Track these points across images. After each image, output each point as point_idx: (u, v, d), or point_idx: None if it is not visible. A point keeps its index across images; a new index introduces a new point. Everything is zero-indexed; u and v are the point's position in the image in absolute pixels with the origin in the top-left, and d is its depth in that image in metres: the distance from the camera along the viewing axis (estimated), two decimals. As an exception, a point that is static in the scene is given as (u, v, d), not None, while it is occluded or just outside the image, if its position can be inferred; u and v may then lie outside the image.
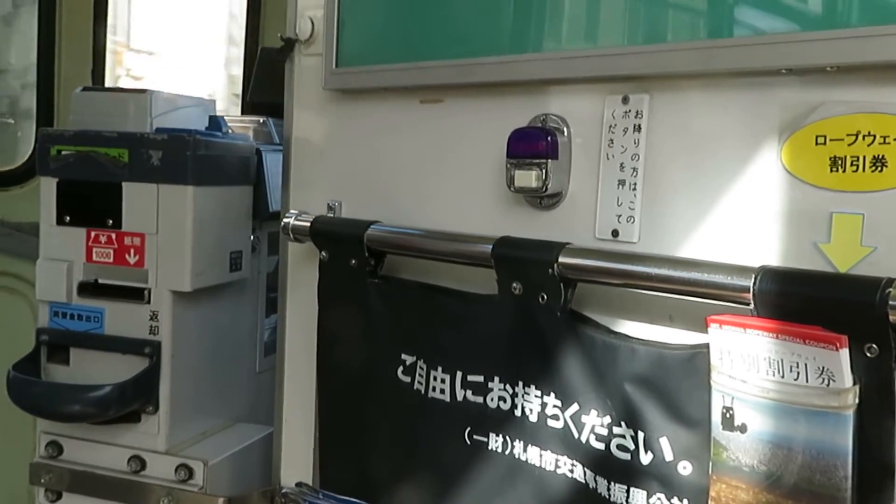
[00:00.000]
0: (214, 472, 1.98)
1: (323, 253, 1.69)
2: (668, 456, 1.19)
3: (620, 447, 1.25)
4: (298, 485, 1.82)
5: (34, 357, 2.04)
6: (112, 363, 1.97)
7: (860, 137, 1.10)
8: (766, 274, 1.07)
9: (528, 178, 1.40)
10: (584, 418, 1.29)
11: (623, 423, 1.24)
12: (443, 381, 1.49)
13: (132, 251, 1.95)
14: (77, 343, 2.02)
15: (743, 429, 1.09)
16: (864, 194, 1.10)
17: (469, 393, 1.45)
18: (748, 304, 1.08)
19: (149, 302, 1.95)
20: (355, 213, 1.73)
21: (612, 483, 1.26)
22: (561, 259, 1.30)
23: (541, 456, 1.36)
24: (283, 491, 1.86)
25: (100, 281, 1.99)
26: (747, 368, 1.07)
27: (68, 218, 2.00)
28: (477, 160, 1.54)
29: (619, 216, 1.35)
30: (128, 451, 1.99)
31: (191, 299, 1.98)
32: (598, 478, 1.28)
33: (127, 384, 1.92)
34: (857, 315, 1.00)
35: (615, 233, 1.36)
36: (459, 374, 1.46)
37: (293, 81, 1.87)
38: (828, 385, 1.01)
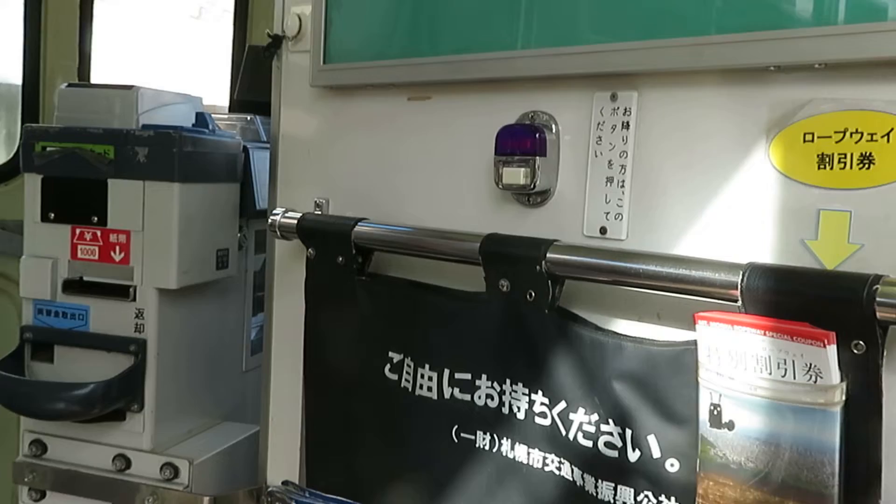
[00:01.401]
0: (200, 471, 1.97)
1: (310, 250, 1.68)
2: (656, 453, 1.19)
3: (608, 445, 1.25)
4: (285, 483, 1.81)
5: (18, 355, 2.03)
6: (97, 361, 1.96)
7: (848, 135, 1.10)
8: (754, 271, 1.07)
9: (516, 175, 1.40)
10: (571, 416, 1.29)
11: (611, 421, 1.24)
12: (430, 378, 1.48)
13: (118, 248, 1.94)
14: (61, 341, 2.01)
15: (730, 426, 1.09)
16: (851, 192, 1.10)
17: (456, 391, 1.45)
18: (736, 301, 1.08)
19: (134, 300, 1.94)
20: (343, 211, 1.72)
21: (600, 481, 1.26)
22: (548, 256, 1.30)
23: (528, 454, 1.36)
24: (270, 489, 1.85)
25: (85, 278, 1.98)
26: (735, 365, 1.07)
27: (53, 215, 1.98)
28: (465, 157, 1.53)
29: (608, 213, 1.35)
30: (112, 450, 1.98)
31: (177, 297, 1.97)
32: (585, 475, 1.28)
33: (112, 382, 1.91)
34: (844, 312, 1.00)
35: (603, 230, 1.35)
36: (447, 371, 1.46)
37: (281, 78, 1.87)
38: (815, 382, 1.01)
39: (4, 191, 3.07)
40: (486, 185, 1.49)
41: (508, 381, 1.38)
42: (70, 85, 2.17)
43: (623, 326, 1.31)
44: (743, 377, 1.07)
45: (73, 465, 2.00)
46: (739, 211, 1.21)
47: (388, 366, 1.57)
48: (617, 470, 1.24)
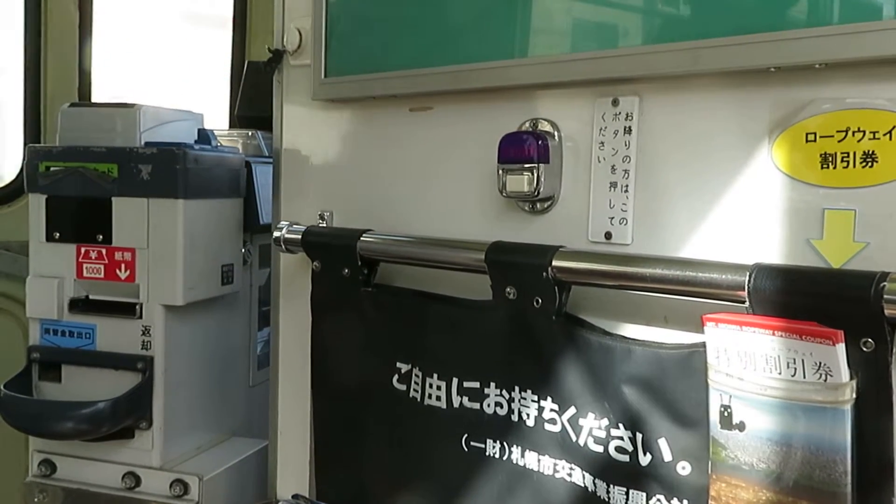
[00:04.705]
0: (210, 487, 1.97)
1: (315, 263, 1.68)
2: (667, 456, 1.19)
3: (619, 449, 1.25)
4: (295, 497, 1.81)
5: (25, 375, 2.03)
6: (104, 379, 1.96)
7: (850, 133, 1.10)
8: (761, 271, 1.07)
9: (519, 182, 1.41)
10: (581, 421, 1.29)
11: (621, 425, 1.24)
12: (439, 388, 1.48)
13: (123, 266, 1.94)
14: (69, 360, 2.01)
15: (741, 427, 1.09)
16: (855, 190, 1.10)
17: (465, 399, 1.45)
18: (743, 302, 1.08)
19: (140, 317, 1.95)
20: (347, 223, 1.73)
21: (612, 485, 1.25)
22: (554, 262, 1.30)
23: (539, 461, 1.35)
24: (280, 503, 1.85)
25: (91, 297, 1.99)
26: (744, 366, 1.07)
27: (58, 234, 1.99)
28: (468, 166, 1.54)
29: (612, 218, 1.35)
30: (122, 468, 1.98)
31: (183, 313, 1.97)
32: (597, 481, 1.28)
33: (120, 400, 1.91)
34: (852, 310, 1.00)
35: (608, 235, 1.36)
36: (455, 380, 1.46)
37: (282, 93, 1.87)
38: (825, 380, 1.01)
39: (8, 212, 3.08)
40: (490, 194, 1.49)
41: (517, 389, 1.38)
42: (72, 104, 2.18)
43: (630, 331, 1.31)
44: (752, 378, 1.07)
45: (83, 484, 2.00)
46: (744, 212, 1.21)
47: (396, 376, 1.57)
48: (628, 474, 1.23)
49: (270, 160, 1.95)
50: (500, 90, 1.49)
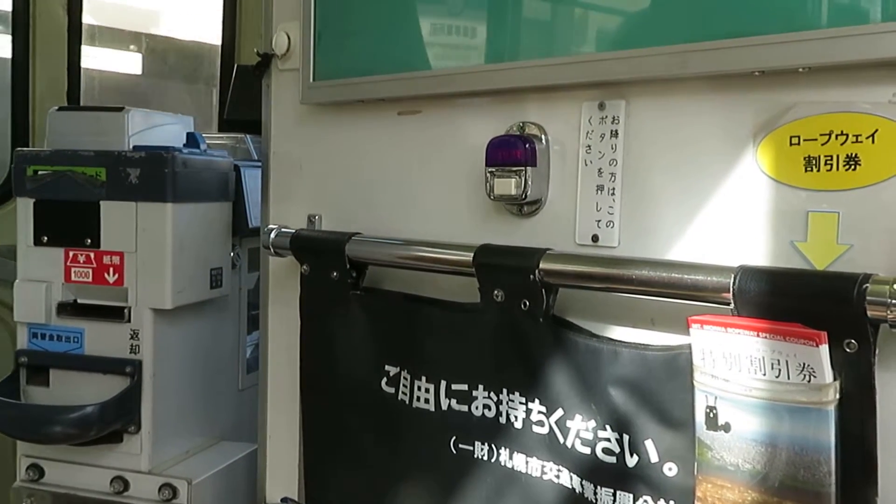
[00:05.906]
0: (199, 491, 1.97)
1: (304, 266, 1.68)
2: (654, 458, 1.19)
3: (606, 451, 1.25)
4: (284, 500, 1.81)
5: (13, 380, 2.02)
6: (93, 383, 1.96)
7: (833, 137, 1.11)
8: (745, 273, 1.08)
9: (507, 185, 1.41)
10: (569, 423, 1.30)
11: (608, 427, 1.25)
12: (427, 390, 1.49)
13: (111, 270, 1.94)
14: (57, 364, 2.01)
15: (727, 428, 1.09)
16: (838, 193, 1.11)
17: (454, 402, 1.45)
18: (728, 304, 1.09)
19: (129, 321, 1.94)
20: (336, 226, 1.73)
21: (599, 487, 1.26)
22: (541, 265, 1.31)
23: (527, 463, 1.36)
24: (269, 507, 1.85)
25: (79, 301, 1.99)
26: (729, 368, 1.08)
27: (46, 238, 1.99)
28: (456, 169, 1.54)
29: (599, 221, 1.36)
30: (110, 472, 1.98)
31: (171, 317, 1.97)
32: (584, 482, 1.28)
33: (108, 404, 1.91)
34: (835, 311, 1.00)
35: (595, 238, 1.36)
36: (444, 383, 1.46)
37: (270, 96, 1.88)
38: (809, 381, 1.02)
39: (-4, 217, 3.07)
40: (477, 196, 1.49)
41: (505, 391, 1.38)
42: (61, 108, 2.17)
43: (617, 333, 1.31)
44: (737, 379, 1.07)
45: (72, 489, 2.00)
46: (729, 215, 1.22)
47: (384, 379, 1.57)
48: (615, 476, 1.24)
49: (259, 164, 1.95)
50: (488, 93, 1.49)
